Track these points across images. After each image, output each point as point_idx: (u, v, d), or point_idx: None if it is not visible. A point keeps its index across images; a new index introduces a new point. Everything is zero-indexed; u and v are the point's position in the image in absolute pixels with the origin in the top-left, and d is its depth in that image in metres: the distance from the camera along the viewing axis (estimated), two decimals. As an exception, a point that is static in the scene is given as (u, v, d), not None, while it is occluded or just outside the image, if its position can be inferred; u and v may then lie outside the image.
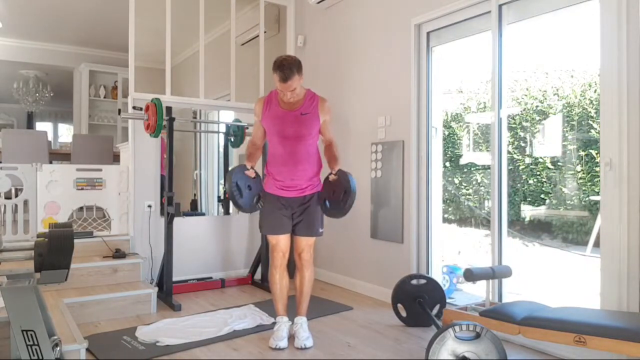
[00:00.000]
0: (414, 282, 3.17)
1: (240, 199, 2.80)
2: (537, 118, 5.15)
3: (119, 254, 3.69)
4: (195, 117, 4.67)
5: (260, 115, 2.85)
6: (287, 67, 2.65)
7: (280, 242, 2.87)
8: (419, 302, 3.09)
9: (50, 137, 8.38)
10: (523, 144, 5.28)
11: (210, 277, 4.21)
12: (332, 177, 2.79)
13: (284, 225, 2.84)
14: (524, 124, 5.24)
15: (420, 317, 3.09)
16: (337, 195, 2.82)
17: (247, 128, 4.45)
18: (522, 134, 5.27)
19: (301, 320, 2.86)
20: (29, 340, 1.71)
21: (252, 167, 2.82)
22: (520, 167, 5.31)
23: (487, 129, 5.61)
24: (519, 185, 5.40)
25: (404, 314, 3.19)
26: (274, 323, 3.16)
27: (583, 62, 4.90)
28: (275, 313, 2.93)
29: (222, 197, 4.80)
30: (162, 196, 3.97)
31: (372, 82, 3.95)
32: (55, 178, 3.75)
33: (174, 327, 3.05)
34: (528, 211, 5.44)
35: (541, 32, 4.34)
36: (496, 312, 2.40)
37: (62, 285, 2.31)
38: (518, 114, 5.23)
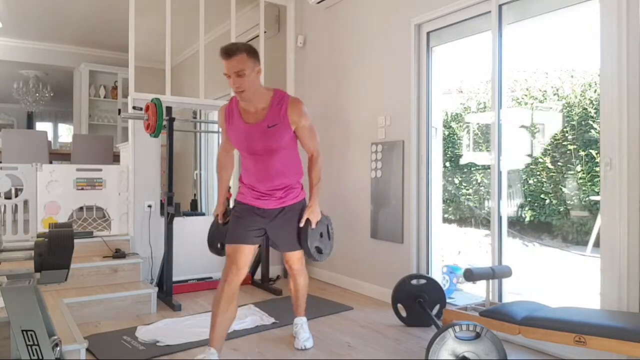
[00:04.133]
0: (414, 282, 3.17)
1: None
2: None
3: (119, 254, 3.69)
4: (195, 117, 4.67)
5: (223, 127, 2.51)
6: (233, 45, 2.26)
7: (238, 253, 2.43)
8: (419, 302, 3.09)
9: (50, 137, 8.38)
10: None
11: (210, 277, 4.21)
12: (301, 223, 2.47)
13: (248, 236, 2.45)
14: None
15: (420, 317, 3.09)
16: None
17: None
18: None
19: (301, 321, 2.86)
20: (29, 340, 1.71)
21: (222, 212, 2.55)
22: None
23: (487, 129, 5.61)
24: (518, 185, 5.40)
25: (404, 314, 3.18)
26: (274, 323, 3.17)
27: (583, 62, 4.90)
28: (209, 341, 2.40)
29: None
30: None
31: (372, 82, 3.95)
32: (55, 178, 3.75)
33: (174, 327, 3.05)
34: (528, 211, 5.44)
35: (541, 32, 4.35)
36: (496, 312, 2.40)
37: (62, 285, 2.31)
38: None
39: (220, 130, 2.60)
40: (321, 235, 2.57)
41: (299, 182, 2.60)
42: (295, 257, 2.67)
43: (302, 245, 2.52)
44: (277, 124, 2.35)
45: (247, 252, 2.47)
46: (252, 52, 2.27)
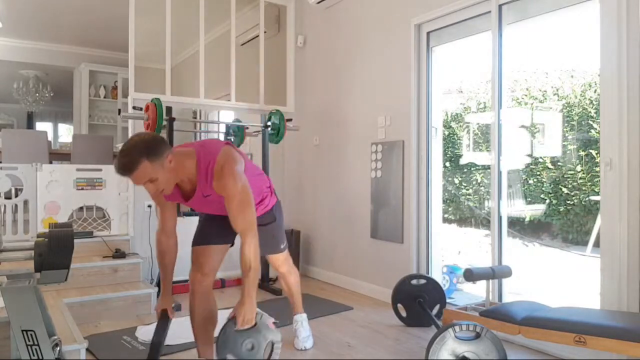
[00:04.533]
0: (414, 282, 3.17)
1: None
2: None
3: (119, 254, 3.69)
4: (195, 117, 4.67)
5: (160, 202, 2.15)
6: (126, 153, 1.80)
7: (201, 256, 2.22)
8: (419, 302, 3.09)
9: (50, 137, 8.37)
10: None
11: (210, 277, 4.20)
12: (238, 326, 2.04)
13: (218, 235, 2.23)
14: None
15: (420, 317, 3.09)
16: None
17: (247, 128, 4.45)
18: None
19: (301, 318, 2.83)
20: (29, 340, 1.71)
21: (169, 304, 2.24)
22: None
23: (487, 129, 5.61)
24: (518, 185, 5.40)
25: (404, 314, 3.18)
26: (274, 323, 3.16)
27: (583, 62, 4.90)
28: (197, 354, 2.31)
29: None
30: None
31: (372, 82, 3.94)
32: (55, 178, 3.75)
33: (174, 327, 3.05)
34: (528, 211, 5.44)
35: (541, 32, 4.34)
36: (496, 312, 2.40)
37: (62, 285, 2.31)
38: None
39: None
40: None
41: (265, 193, 2.42)
42: (280, 261, 2.66)
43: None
44: (211, 194, 2.04)
45: (215, 255, 2.25)
46: (153, 151, 1.82)
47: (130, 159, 1.79)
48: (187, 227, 4.16)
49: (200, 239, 2.31)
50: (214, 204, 2.10)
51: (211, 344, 2.31)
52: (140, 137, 1.87)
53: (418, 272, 3.51)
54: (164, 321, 2.25)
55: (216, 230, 2.29)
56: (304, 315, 2.85)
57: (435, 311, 3.09)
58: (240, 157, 2.09)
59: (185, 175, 2.00)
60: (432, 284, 3.15)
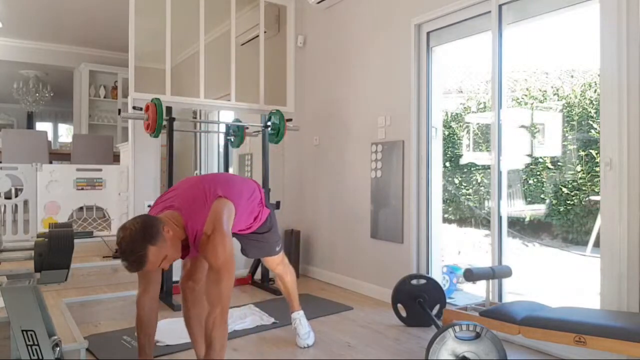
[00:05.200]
0: (414, 282, 3.17)
1: None
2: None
3: (119, 254, 3.69)
4: (195, 117, 4.67)
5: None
6: (129, 251, 1.77)
7: (192, 263, 2.26)
8: (419, 302, 3.09)
9: (50, 137, 8.38)
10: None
11: (210, 277, 4.20)
12: None
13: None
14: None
15: (420, 317, 3.09)
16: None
17: (247, 128, 4.45)
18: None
19: (298, 315, 2.83)
20: (29, 340, 1.71)
21: None
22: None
23: (487, 129, 5.61)
24: (518, 185, 5.40)
25: (404, 314, 3.18)
26: (274, 323, 3.17)
27: (583, 62, 4.90)
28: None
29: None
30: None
31: (372, 82, 3.95)
32: (55, 178, 3.75)
33: (174, 327, 3.05)
34: (528, 211, 5.44)
35: (541, 32, 4.35)
36: (496, 312, 2.40)
37: (62, 285, 2.32)
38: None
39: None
40: None
41: (257, 210, 2.41)
42: (275, 262, 2.69)
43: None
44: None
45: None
46: (151, 234, 1.78)
47: (137, 256, 1.76)
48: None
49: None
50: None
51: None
52: (132, 229, 1.78)
53: (418, 272, 3.51)
54: None
55: None
56: (301, 312, 2.85)
57: (435, 311, 3.09)
58: (229, 210, 2.02)
59: (180, 238, 1.93)
60: (432, 284, 3.15)
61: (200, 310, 2.28)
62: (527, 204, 5.44)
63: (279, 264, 2.71)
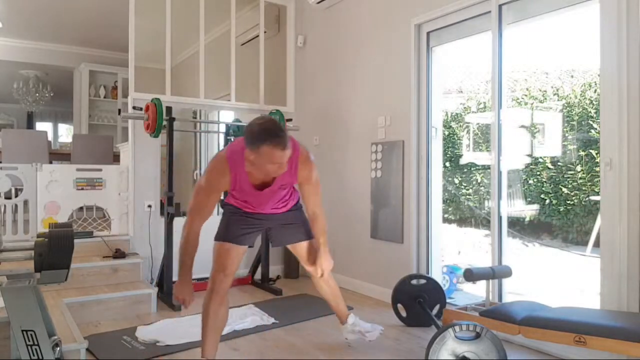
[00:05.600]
0: (414, 282, 3.17)
1: None
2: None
3: (119, 254, 3.69)
4: (195, 117, 4.67)
5: (225, 186, 2.16)
6: (280, 130, 1.95)
7: (227, 257, 2.31)
8: (419, 302, 3.09)
9: (50, 137, 8.38)
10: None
11: (210, 277, 4.20)
12: (319, 274, 2.51)
13: (250, 235, 2.35)
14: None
15: (420, 317, 3.09)
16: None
17: (247, 128, 4.45)
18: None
19: (354, 319, 2.77)
20: (29, 340, 1.71)
21: (190, 294, 2.24)
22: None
23: (487, 129, 5.61)
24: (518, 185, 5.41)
25: (404, 314, 3.19)
26: (274, 323, 3.17)
27: (583, 62, 4.90)
28: (202, 354, 2.31)
29: (221, 197, 4.79)
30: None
31: (372, 82, 3.95)
32: (55, 178, 3.75)
33: (174, 327, 3.05)
34: (527, 211, 5.45)
35: (541, 32, 4.35)
36: (496, 312, 2.40)
37: (62, 285, 2.31)
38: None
39: (205, 186, 2.14)
40: None
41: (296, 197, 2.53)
42: (314, 248, 2.57)
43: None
44: (286, 182, 2.23)
45: (239, 255, 2.34)
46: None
47: (284, 134, 1.95)
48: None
49: (229, 237, 2.32)
50: (277, 198, 2.30)
51: (217, 345, 2.33)
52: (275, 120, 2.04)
53: (418, 272, 3.50)
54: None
55: (245, 230, 2.34)
56: (354, 315, 2.79)
57: (435, 311, 3.09)
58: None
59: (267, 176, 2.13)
60: (432, 284, 3.15)
61: (221, 308, 2.34)
62: (527, 204, 5.44)
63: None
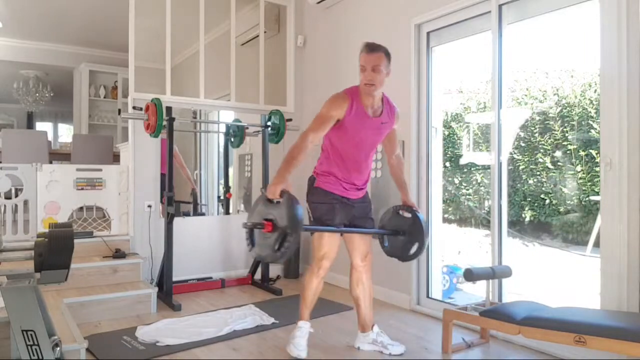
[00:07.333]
0: (401, 212, 2.81)
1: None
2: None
3: (119, 254, 3.69)
4: (195, 117, 4.67)
5: (342, 114, 2.46)
6: (375, 44, 2.46)
7: (332, 244, 2.59)
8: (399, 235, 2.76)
9: (50, 137, 8.37)
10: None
11: (210, 277, 4.21)
12: (405, 214, 2.66)
13: (343, 224, 2.60)
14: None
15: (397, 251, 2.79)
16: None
17: (247, 128, 4.45)
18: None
19: (377, 329, 2.73)
20: (29, 340, 1.71)
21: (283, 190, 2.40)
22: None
23: (487, 129, 5.60)
24: (518, 185, 5.40)
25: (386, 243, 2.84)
26: (274, 323, 3.17)
27: (583, 62, 4.89)
28: (300, 317, 2.63)
29: (221, 197, 4.80)
30: (161, 195, 3.96)
31: (372, 82, 3.94)
32: (55, 178, 3.75)
33: (174, 327, 3.05)
34: (528, 211, 5.44)
35: (541, 32, 4.34)
36: (496, 312, 2.40)
37: (62, 285, 2.31)
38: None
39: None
40: None
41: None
42: (370, 243, 2.70)
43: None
44: (387, 122, 2.59)
45: (338, 243, 2.61)
46: (388, 55, 2.47)
47: (378, 45, 2.43)
48: (187, 227, 4.18)
49: (335, 224, 2.55)
50: (381, 134, 2.60)
51: (310, 311, 2.65)
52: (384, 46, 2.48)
53: (417, 270, 3.49)
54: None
55: (346, 220, 2.60)
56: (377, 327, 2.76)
57: (414, 249, 2.71)
58: None
59: (377, 100, 2.53)
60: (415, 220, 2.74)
61: (318, 287, 2.64)
62: (527, 203, 5.42)
63: (368, 253, 2.72)
